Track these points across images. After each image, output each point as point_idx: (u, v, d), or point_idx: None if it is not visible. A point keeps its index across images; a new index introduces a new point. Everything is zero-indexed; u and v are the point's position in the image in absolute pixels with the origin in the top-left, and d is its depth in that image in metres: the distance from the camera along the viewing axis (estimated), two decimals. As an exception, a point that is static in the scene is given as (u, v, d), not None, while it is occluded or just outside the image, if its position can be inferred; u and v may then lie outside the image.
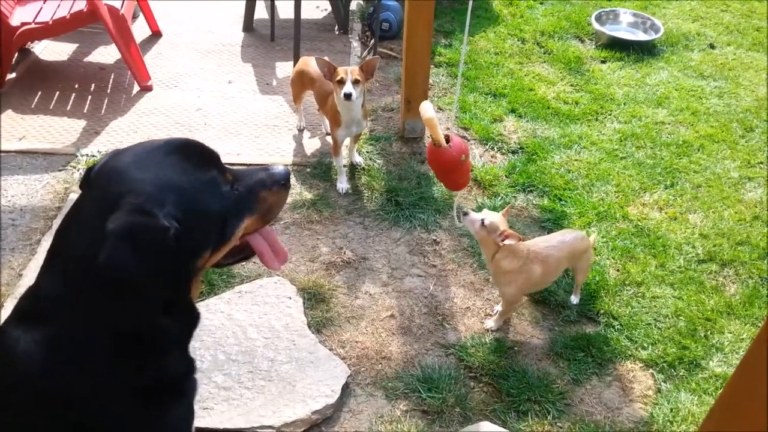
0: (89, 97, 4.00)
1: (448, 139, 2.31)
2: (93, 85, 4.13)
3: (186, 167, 1.32)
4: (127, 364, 1.30)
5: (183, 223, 1.25)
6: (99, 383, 1.28)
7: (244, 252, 1.51)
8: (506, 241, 2.41)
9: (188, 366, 1.45)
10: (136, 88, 4.11)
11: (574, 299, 2.81)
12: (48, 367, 1.24)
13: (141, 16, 4.73)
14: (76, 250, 1.24)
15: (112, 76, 4.23)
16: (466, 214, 2.45)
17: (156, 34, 4.72)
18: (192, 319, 1.44)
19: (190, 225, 1.26)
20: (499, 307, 2.71)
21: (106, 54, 4.44)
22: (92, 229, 1.21)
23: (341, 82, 3.04)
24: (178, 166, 1.31)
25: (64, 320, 1.25)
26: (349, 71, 3.05)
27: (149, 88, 4.10)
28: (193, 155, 1.36)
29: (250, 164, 3.48)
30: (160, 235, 1.21)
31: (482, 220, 2.41)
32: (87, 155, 3.44)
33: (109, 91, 4.08)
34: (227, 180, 1.38)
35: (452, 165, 2.35)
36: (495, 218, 2.43)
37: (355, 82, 3.03)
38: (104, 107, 3.91)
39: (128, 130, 3.72)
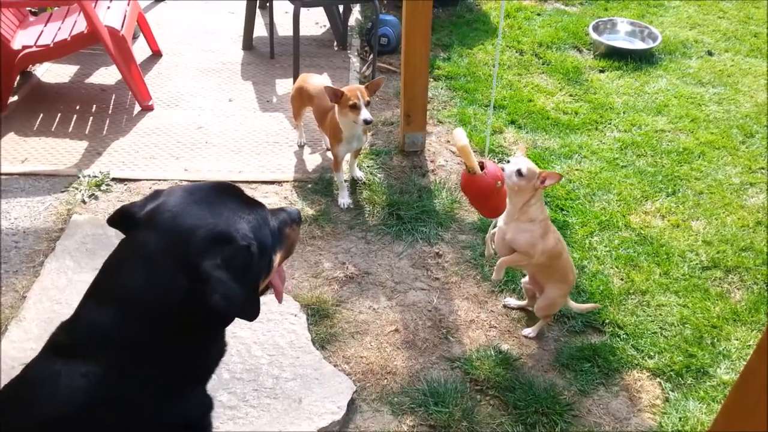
0: (91, 118, 4.03)
1: (482, 166, 2.26)
2: (94, 106, 4.15)
3: (244, 203, 1.41)
4: (168, 398, 1.34)
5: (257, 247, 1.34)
6: (141, 419, 1.31)
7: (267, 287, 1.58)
8: (547, 182, 2.33)
9: (209, 403, 1.48)
10: (138, 108, 4.13)
11: (530, 332, 2.71)
12: (94, 402, 1.25)
13: (141, 37, 4.77)
14: (141, 287, 1.26)
15: (113, 97, 4.25)
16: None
17: (156, 54, 4.76)
18: (222, 349, 1.50)
19: (258, 251, 1.34)
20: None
21: (107, 75, 4.48)
22: (162, 266, 1.26)
23: (355, 107, 3.02)
24: (238, 202, 1.40)
25: (117, 356, 1.27)
26: (360, 95, 3.01)
27: (150, 108, 4.13)
28: (243, 195, 1.46)
29: (252, 181, 3.50)
30: (245, 254, 1.30)
31: (518, 170, 2.31)
32: (89, 176, 3.45)
33: (110, 111, 4.11)
34: (271, 218, 1.48)
35: (488, 192, 2.31)
36: (529, 163, 2.33)
37: (367, 104, 3.04)
38: (106, 128, 3.94)
39: (130, 150, 3.73)
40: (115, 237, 1.38)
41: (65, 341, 1.32)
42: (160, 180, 3.49)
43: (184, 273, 1.24)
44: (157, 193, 1.40)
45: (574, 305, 2.69)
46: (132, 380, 1.28)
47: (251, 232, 1.33)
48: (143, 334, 1.27)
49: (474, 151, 3.81)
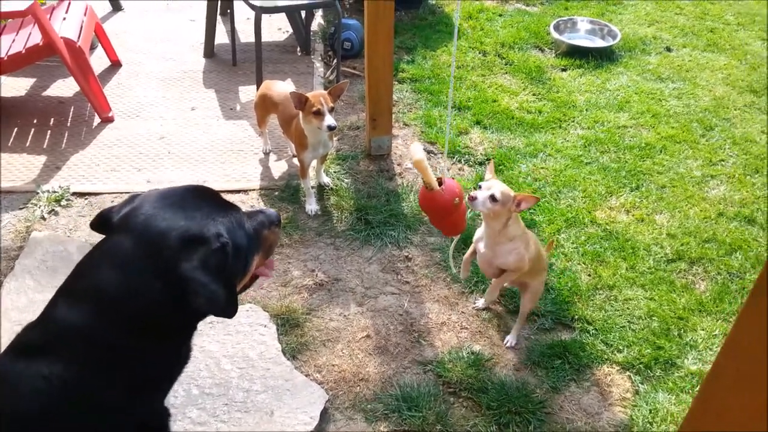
0: (49, 131, 3.93)
1: (440, 181, 2.15)
2: (52, 119, 4.06)
3: (220, 206, 1.43)
4: (134, 400, 1.33)
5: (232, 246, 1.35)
6: (105, 421, 1.30)
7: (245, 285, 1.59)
8: (523, 205, 2.23)
9: (165, 414, 1.48)
10: (97, 120, 4.04)
11: (512, 340, 2.68)
12: (55, 402, 1.24)
13: (99, 47, 4.67)
14: (114, 290, 1.27)
15: (72, 109, 4.16)
16: (473, 198, 2.19)
17: (115, 64, 4.67)
18: (188, 353, 1.51)
19: (232, 252, 1.36)
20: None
21: (65, 87, 4.38)
22: (135, 269, 1.27)
23: (319, 113, 3.00)
24: (213, 205, 1.41)
25: (86, 356, 1.26)
26: (323, 100, 2.99)
27: (110, 120, 4.05)
28: (218, 198, 1.47)
29: (217, 191, 3.44)
30: (220, 255, 1.31)
31: (492, 195, 2.17)
32: (48, 191, 3.37)
33: (69, 124, 4.02)
34: (247, 220, 1.49)
35: (445, 209, 2.20)
36: (502, 186, 2.20)
37: (331, 110, 3.02)
38: (65, 141, 3.85)
39: (90, 164, 3.65)
40: (77, 253, 1.38)
41: (31, 341, 1.31)
42: (122, 193, 3.42)
43: (157, 276, 1.25)
44: (133, 197, 1.42)
45: None
46: (98, 381, 1.27)
47: (226, 233, 1.35)
48: (114, 335, 1.27)
49: (439, 154, 3.83)
